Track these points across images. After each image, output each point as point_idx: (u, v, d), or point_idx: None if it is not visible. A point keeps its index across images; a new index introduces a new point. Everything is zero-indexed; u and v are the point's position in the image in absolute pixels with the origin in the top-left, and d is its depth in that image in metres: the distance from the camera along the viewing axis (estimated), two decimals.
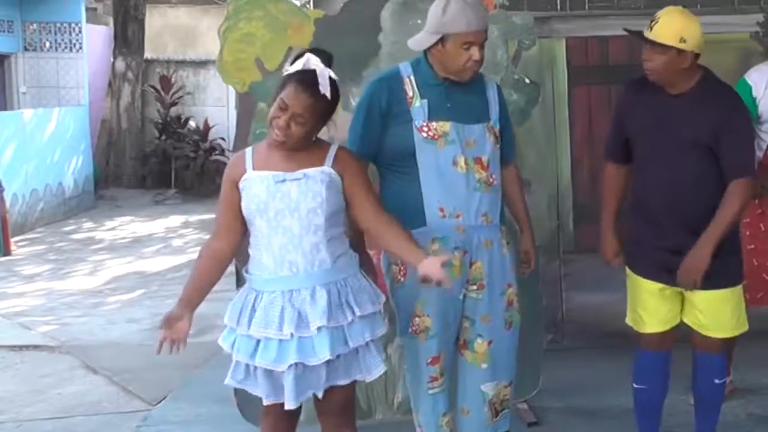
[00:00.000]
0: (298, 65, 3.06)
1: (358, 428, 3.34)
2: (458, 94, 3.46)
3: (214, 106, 15.49)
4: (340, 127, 3.91)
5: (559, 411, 4.65)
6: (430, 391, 3.53)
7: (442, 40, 3.40)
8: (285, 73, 3.11)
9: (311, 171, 3.05)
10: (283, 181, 3.03)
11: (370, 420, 4.27)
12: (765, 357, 5.07)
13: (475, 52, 3.38)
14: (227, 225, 3.14)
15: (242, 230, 3.16)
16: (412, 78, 3.47)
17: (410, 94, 3.45)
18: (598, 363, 5.28)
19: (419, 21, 4.29)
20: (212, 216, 3.53)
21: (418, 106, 3.43)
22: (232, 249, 3.16)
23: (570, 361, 5.18)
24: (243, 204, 3.08)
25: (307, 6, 4.81)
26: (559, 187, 5.42)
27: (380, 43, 4.31)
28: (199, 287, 3.16)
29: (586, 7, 5.61)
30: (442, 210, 3.41)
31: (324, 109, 3.07)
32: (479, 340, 3.54)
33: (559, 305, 5.50)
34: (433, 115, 3.42)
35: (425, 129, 3.41)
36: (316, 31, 4.23)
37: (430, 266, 3.09)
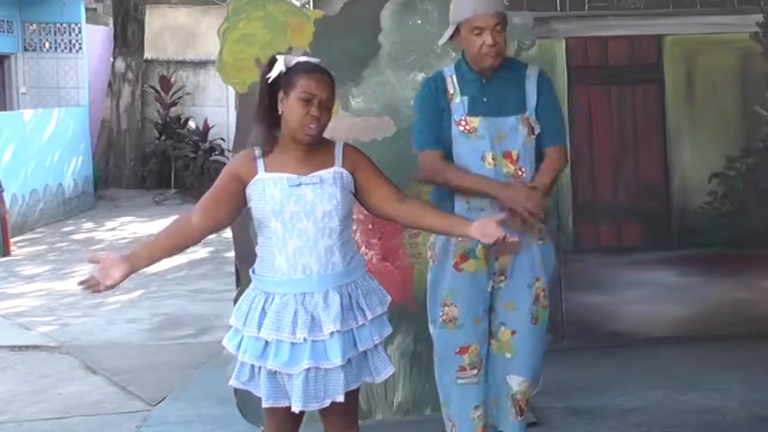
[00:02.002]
0: (280, 66, 3.01)
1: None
2: (495, 87, 3.52)
3: (214, 106, 15.51)
4: (340, 128, 3.92)
5: (559, 411, 4.65)
6: (459, 381, 3.56)
7: (457, 29, 3.49)
8: (281, 73, 3.01)
9: (325, 174, 3.04)
10: (299, 185, 3.01)
11: (370, 420, 4.27)
12: (764, 357, 5.07)
13: (487, 37, 3.41)
14: (207, 207, 3.08)
15: (219, 221, 3.10)
16: (454, 77, 3.56)
17: (452, 91, 3.54)
18: (598, 363, 5.28)
19: (419, 21, 4.31)
20: None
21: (459, 102, 3.52)
22: (200, 231, 3.08)
23: (570, 361, 5.18)
24: (255, 205, 3.05)
25: (307, 6, 4.82)
26: (559, 187, 5.41)
27: (380, 43, 4.32)
28: (153, 249, 3.08)
29: (586, 7, 5.62)
30: (467, 202, 3.48)
31: (335, 95, 3.08)
32: (503, 329, 3.57)
33: (559, 305, 5.50)
34: (471, 111, 3.51)
35: (462, 123, 3.50)
36: (315, 31, 4.24)
37: (484, 227, 3.03)
